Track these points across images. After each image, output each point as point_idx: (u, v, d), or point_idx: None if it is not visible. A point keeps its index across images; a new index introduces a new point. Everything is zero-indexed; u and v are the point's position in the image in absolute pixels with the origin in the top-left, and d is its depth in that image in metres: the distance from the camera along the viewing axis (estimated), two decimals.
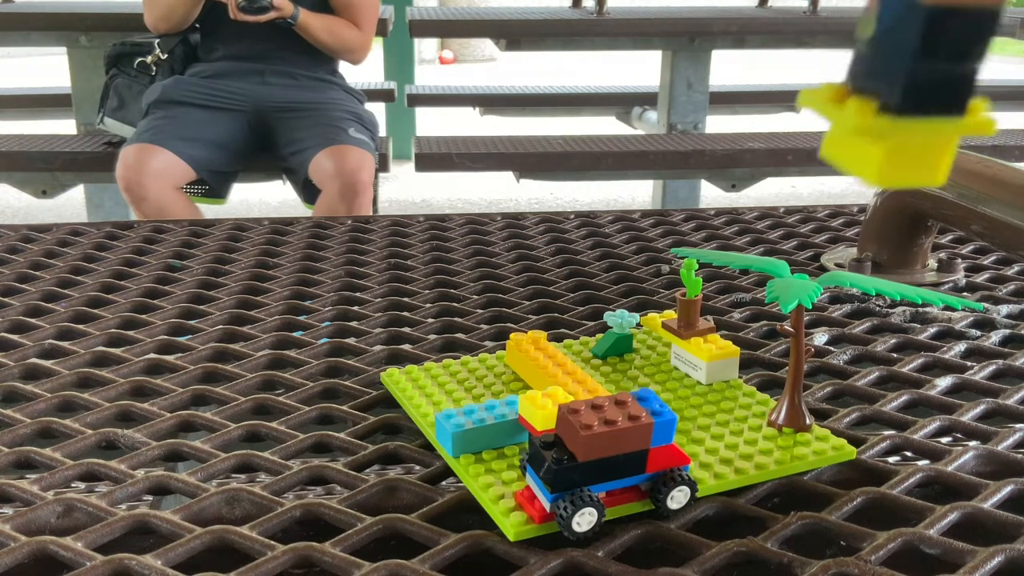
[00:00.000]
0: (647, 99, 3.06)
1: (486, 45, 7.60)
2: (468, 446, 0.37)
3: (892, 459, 0.41)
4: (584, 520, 0.33)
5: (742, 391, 0.43)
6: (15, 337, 0.53)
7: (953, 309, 0.56)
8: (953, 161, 0.23)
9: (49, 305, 0.59)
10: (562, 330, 0.54)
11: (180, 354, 0.51)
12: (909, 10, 0.21)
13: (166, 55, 1.94)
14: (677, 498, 0.34)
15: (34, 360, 0.50)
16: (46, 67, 4.78)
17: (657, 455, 0.34)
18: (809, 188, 3.63)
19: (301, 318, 0.57)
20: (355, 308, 0.58)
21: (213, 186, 1.87)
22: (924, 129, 0.22)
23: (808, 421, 0.39)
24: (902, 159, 0.22)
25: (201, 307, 0.58)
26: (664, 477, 0.34)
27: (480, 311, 0.57)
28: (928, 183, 0.23)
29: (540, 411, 0.33)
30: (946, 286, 0.62)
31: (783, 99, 3.36)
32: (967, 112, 0.22)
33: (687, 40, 2.62)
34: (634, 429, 0.33)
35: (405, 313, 0.57)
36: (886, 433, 0.42)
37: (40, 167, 2.11)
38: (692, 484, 0.34)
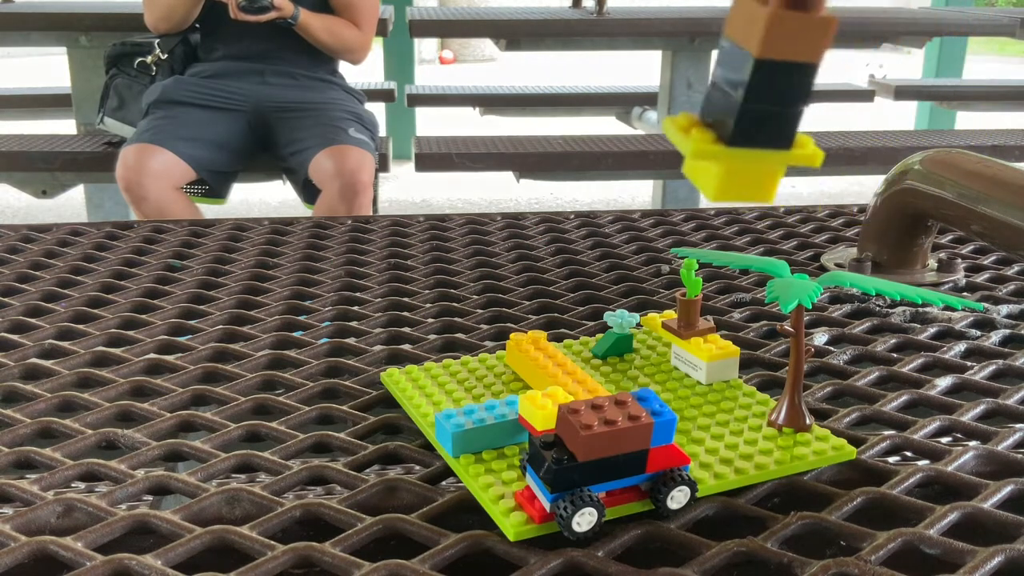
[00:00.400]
0: (647, 99, 3.06)
1: (486, 45, 7.61)
2: (468, 446, 0.37)
3: (892, 459, 0.41)
4: (584, 520, 0.33)
5: (742, 391, 0.43)
6: (15, 337, 0.53)
7: (953, 309, 0.56)
8: (779, 183, 0.27)
9: (49, 305, 0.59)
10: (562, 330, 0.54)
11: (180, 354, 0.51)
12: (741, 60, 0.24)
13: (166, 55, 1.94)
14: (677, 498, 0.34)
15: (34, 360, 0.50)
16: (46, 67, 4.78)
17: (657, 455, 0.34)
18: (809, 188, 3.63)
19: (301, 318, 0.57)
20: (355, 308, 0.58)
21: (213, 186, 1.87)
22: (753, 158, 0.26)
23: (808, 421, 0.39)
24: (736, 180, 0.26)
25: (201, 307, 0.58)
26: (664, 477, 0.34)
27: (480, 311, 0.58)
28: (759, 200, 0.27)
29: (540, 411, 0.33)
30: (946, 286, 0.62)
31: None
32: (793, 145, 0.26)
33: (687, 40, 2.62)
34: (634, 429, 0.33)
35: (405, 313, 0.57)
36: (886, 433, 0.42)
37: (40, 167, 2.11)
38: (692, 484, 0.34)
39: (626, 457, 0.33)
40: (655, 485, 0.34)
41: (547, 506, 0.33)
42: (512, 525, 0.33)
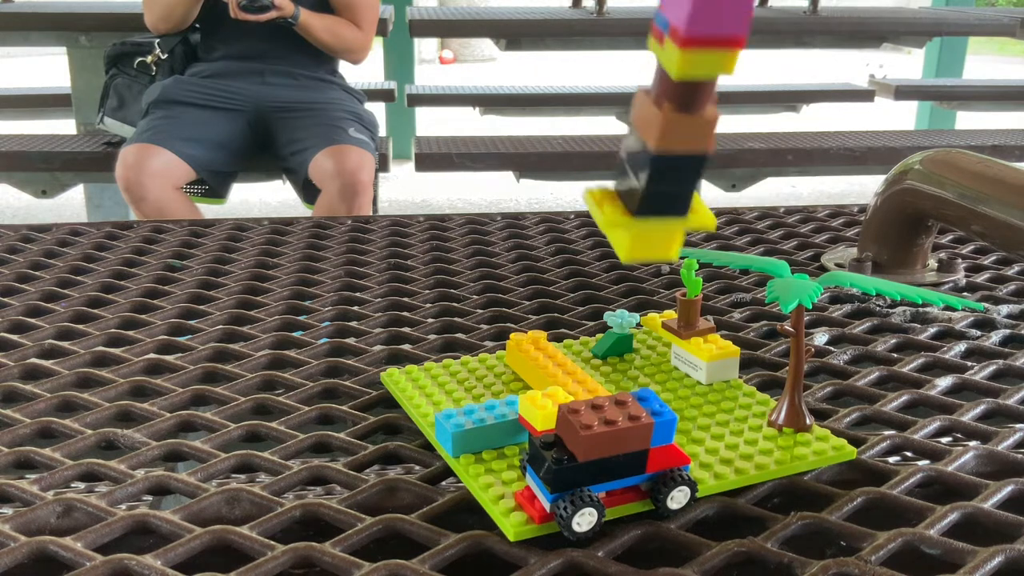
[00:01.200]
0: None
1: (486, 45, 7.60)
2: (468, 446, 0.37)
3: (892, 459, 0.41)
4: (584, 520, 0.33)
5: (742, 391, 0.43)
6: (15, 337, 0.53)
7: (953, 309, 0.56)
8: (682, 241, 0.32)
9: (49, 305, 0.59)
10: (562, 330, 0.54)
11: (180, 354, 0.51)
12: (643, 150, 0.29)
13: (166, 55, 1.94)
14: (677, 498, 0.34)
15: (34, 360, 0.50)
16: (46, 67, 4.78)
17: (657, 455, 0.34)
18: (809, 188, 3.63)
19: (301, 318, 0.57)
20: (355, 308, 0.58)
21: (213, 186, 1.87)
22: (656, 225, 0.31)
23: (808, 421, 0.39)
24: (642, 243, 0.32)
25: (201, 307, 0.58)
26: (664, 477, 0.34)
27: (480, 311, 0.57)
28: (664, 258, 0.32)
29: (540, 411, 0.33)
30: (946, 286, 0.62)
31: (783, 99, 3.36)
32: (690, 212, 0.31)
33: None
34: (634, 429, 0.33)
35: (405, 313, 0.57)
36: (886, 433, 0.42)
37: (40, 167, 2.11)
38: (692, 484, 0.34)
39: (626, 457, 0.33)
40: (655, 485, 0.34)
41: (547, 506, 0.33)
42: (512, 525, 0.33)
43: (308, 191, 1.84)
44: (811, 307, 0.43)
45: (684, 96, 0.28)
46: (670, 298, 0.60)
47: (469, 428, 0.37)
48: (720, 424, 0.40)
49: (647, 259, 0.32)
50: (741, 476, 0.36)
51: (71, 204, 2.94)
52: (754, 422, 0.40)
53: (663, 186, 0.30)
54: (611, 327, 0.47)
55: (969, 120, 3.99)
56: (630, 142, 0.30)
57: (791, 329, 0.39)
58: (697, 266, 0.45)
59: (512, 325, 0.55)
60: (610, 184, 0.33)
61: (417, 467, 0.40)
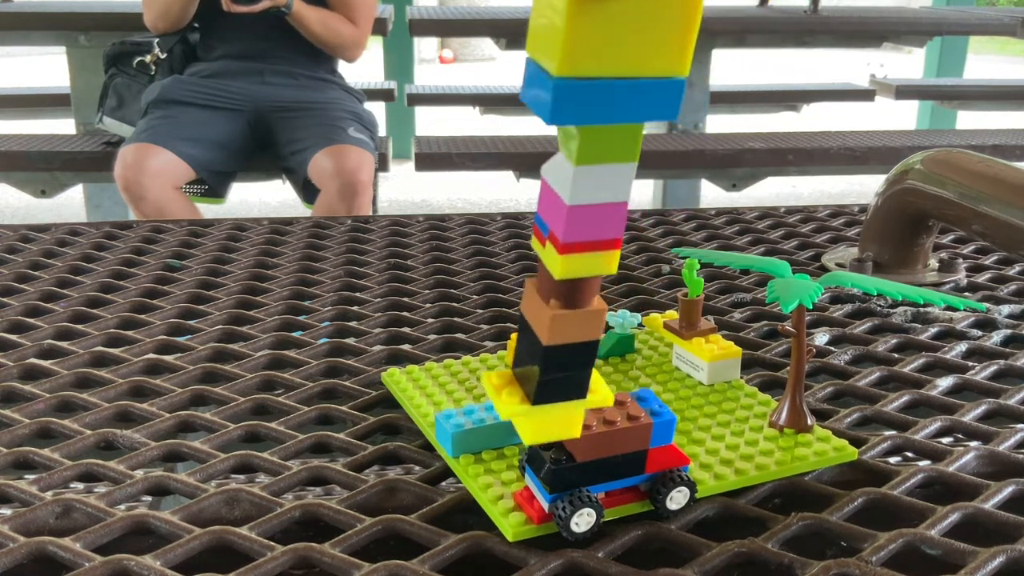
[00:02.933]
0: None
1: (486, 45, 7.60)
2: (468, 446, 0.37)
3: (893, 459, 0.41)
4: (583, 520, 0.33)
5: (744, 392, 0.43)
6: (14, 337, 0.53)
7: (955, 309, 0.56)
8: (581, 422, 0.32)
9: (48, 305, 0.59)
10: None
11: (179, 354, 0.51)
12: (536, 341, 0.30)
13: (165, 55, 1.94)
14: (676, 499, 0.34)
15: (33, 360, 0.50)
16: (46, 67, 4.78)
17: (656, 455, 0.34)
18: (809, 188, 3.63)
19: (301, 318, 0.57)
20: (355, 308, 0.58)
21: (212, 186, 1.87)
22: (555, 410, 0.31)
23: (809, 422, 0.39)
24: (544, 427, 0.31)
25: (200, 307, 0.58)
26: (663, 478, 0.34)
27: (480, 311, 0.57)
28: (567, 437, 0.31)
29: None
30: (947, 286, 0.62)
31: (783, 99, 3.36)
32: (588, 393, 0.31)
33: None
34: (633, 430, 0.33)
35: (405, 313, 0.57)
36: (887, 433, 0.42)
37: (39, 167, 2.11)
38: (691, 485, 0.34)
39: (625, 458, 0.33)
40: (654, 486, 0.34)
41: (545, 506, 0.33)
42: (511, 525, 0.33)
43: (308, 191, 1.84)
44: (811, 307, 0.43)
45: (569, 293, 0.29)
46: (670, 298, 0.59)
47: (469, 428, 0.37)
48: (721, 425, 0.40)
49: (550, 439, 0.32)
50: (741, 477, 0.36)
51: (70, 204, 2.94)
52: (755, 423, 0.40)
53: (558, 373, 0.30)
54: (612, 327, 0.47)
55: (970, 120, 3.99)
56: (523, 328, 0.31)
57: (792, 329, 0.38)
58: (699, 266, 0.44)
59: (512, 325, 0.55)
60: (505, 367, 0.33)
61: (417, 467, 0.40)
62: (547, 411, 0.31)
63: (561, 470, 0.33)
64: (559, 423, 0.31)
